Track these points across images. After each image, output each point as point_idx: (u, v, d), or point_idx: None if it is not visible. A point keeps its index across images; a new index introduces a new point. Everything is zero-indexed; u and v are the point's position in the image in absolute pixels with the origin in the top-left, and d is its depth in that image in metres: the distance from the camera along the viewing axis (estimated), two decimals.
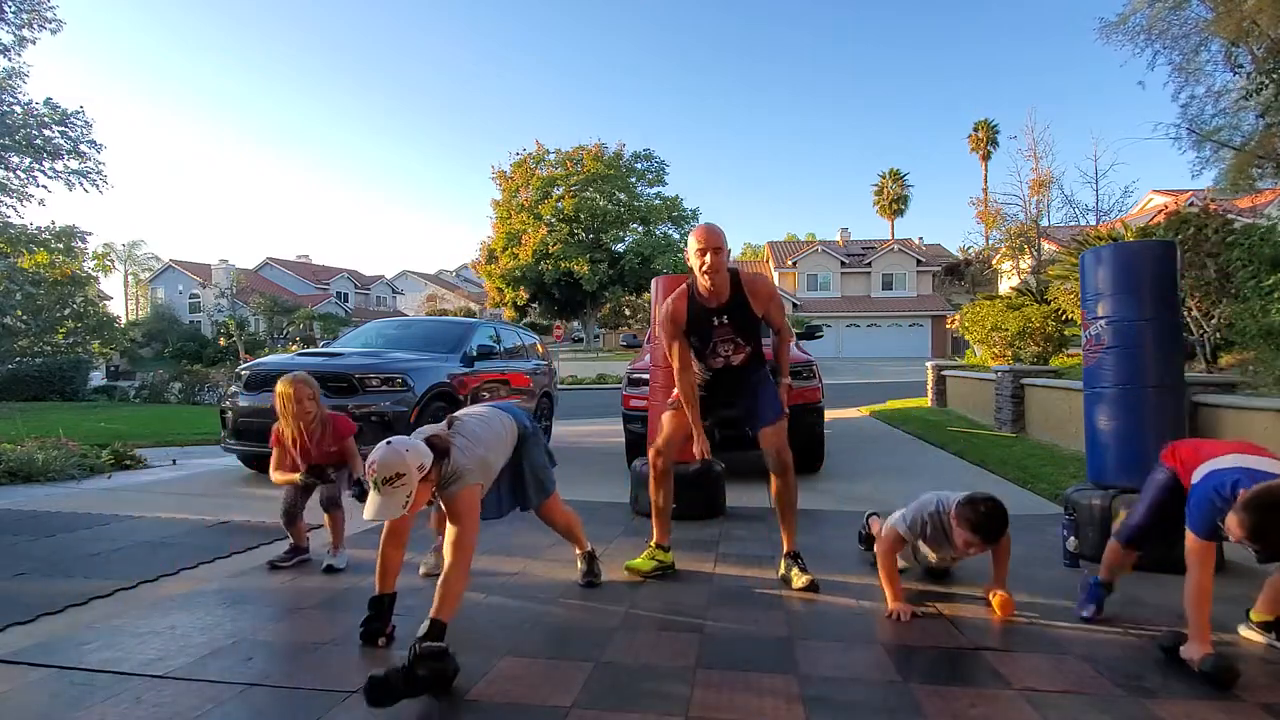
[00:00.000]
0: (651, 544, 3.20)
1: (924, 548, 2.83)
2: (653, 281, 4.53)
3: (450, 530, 2.23)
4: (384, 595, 2.35)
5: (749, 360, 3.09)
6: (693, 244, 2.95)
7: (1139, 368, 3.39)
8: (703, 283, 2.93)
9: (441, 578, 2.11)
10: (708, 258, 2.87)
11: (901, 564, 2.94)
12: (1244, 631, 2.46)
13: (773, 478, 3.10)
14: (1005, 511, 2.57)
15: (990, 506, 2.54)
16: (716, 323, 2.99)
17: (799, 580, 2.93)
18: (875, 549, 2.75)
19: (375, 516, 2.07)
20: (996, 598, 2.65)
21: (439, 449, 2.24)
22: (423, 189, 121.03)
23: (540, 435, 2.83)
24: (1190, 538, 2.15)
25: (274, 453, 3.23)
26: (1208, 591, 2.13)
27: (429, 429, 2.35)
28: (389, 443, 2.12)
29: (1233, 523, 1.98)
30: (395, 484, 2.06)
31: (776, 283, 35.07)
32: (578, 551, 3.05)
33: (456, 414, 2.55)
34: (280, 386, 3.10)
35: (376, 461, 2.07)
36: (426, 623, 2.01)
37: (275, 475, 3.22)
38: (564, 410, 10.55)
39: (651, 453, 3.23)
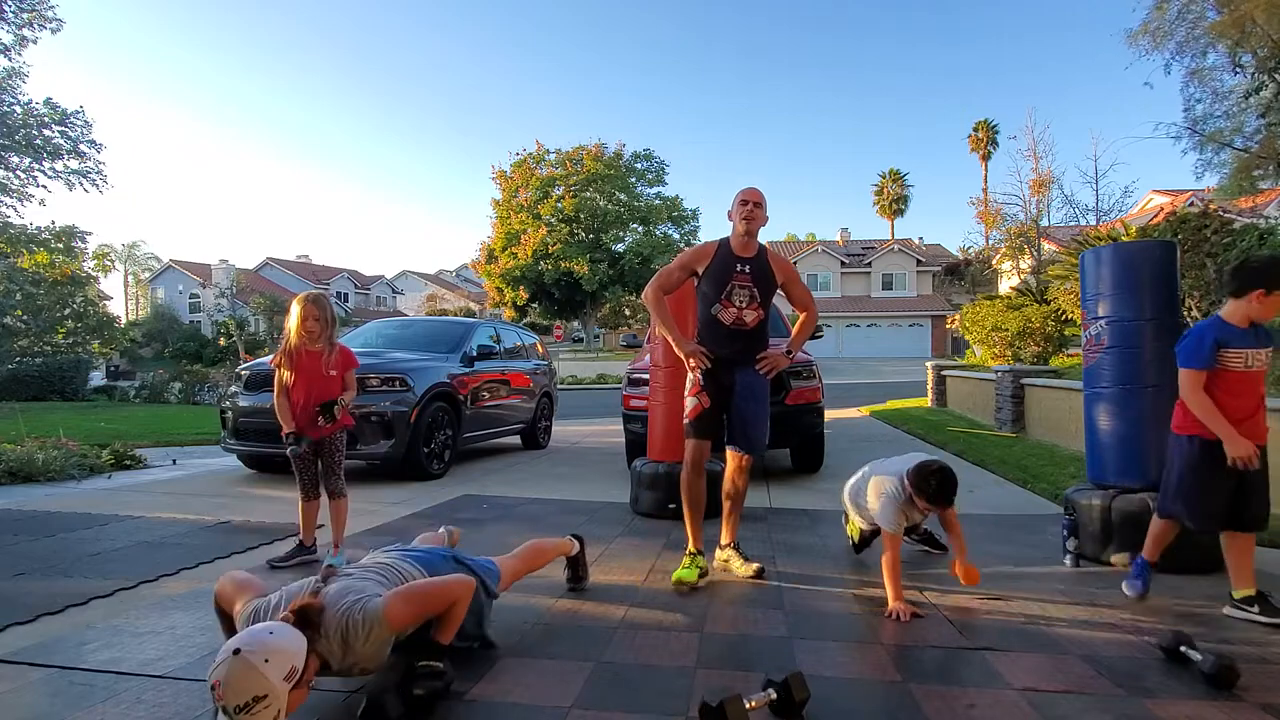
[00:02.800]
0: (689, 550, 3.09)
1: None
2: None
3: (435, 632, 1.93)
4: None
5: (759, 331, 3.12)
6: (738, 198, 3.13)
7: (1139, 368, 3.39)
8: (739, 228, 3.08)
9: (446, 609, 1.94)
10: (750, 208, 3.07)
11: (865, 526, 3.22)
12: (1228, 610, 2.59)
13: (730, 469, 3.15)
14: (954, 476, 2.78)
15: (940, 476, 2.75)
16: (738, 268, 3.07)
17: (744, 569, 3.06)
18: (882, 559, 2.77)
19: None
20: (962, 570, 2.85)
21: (310, 618, 1.69)
22: (423, 189, 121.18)
23: (489, 597, 2.29)
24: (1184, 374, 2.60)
25: (276, 375, 3.27)
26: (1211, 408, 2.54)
27: (295, 589, 1.80)
28: (237, 651, 1.52)
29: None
30: (254, 709, 1.50)
31: None
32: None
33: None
34: (294, 304, 3.25)
35: (221, 683, 1.50)
36: (426, 644, 1.91)
37: (277, 406, 3.26)
38: (564, 410, 10.55)
39: (689, 447, 3.13)
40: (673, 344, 3.13)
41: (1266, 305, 2.53)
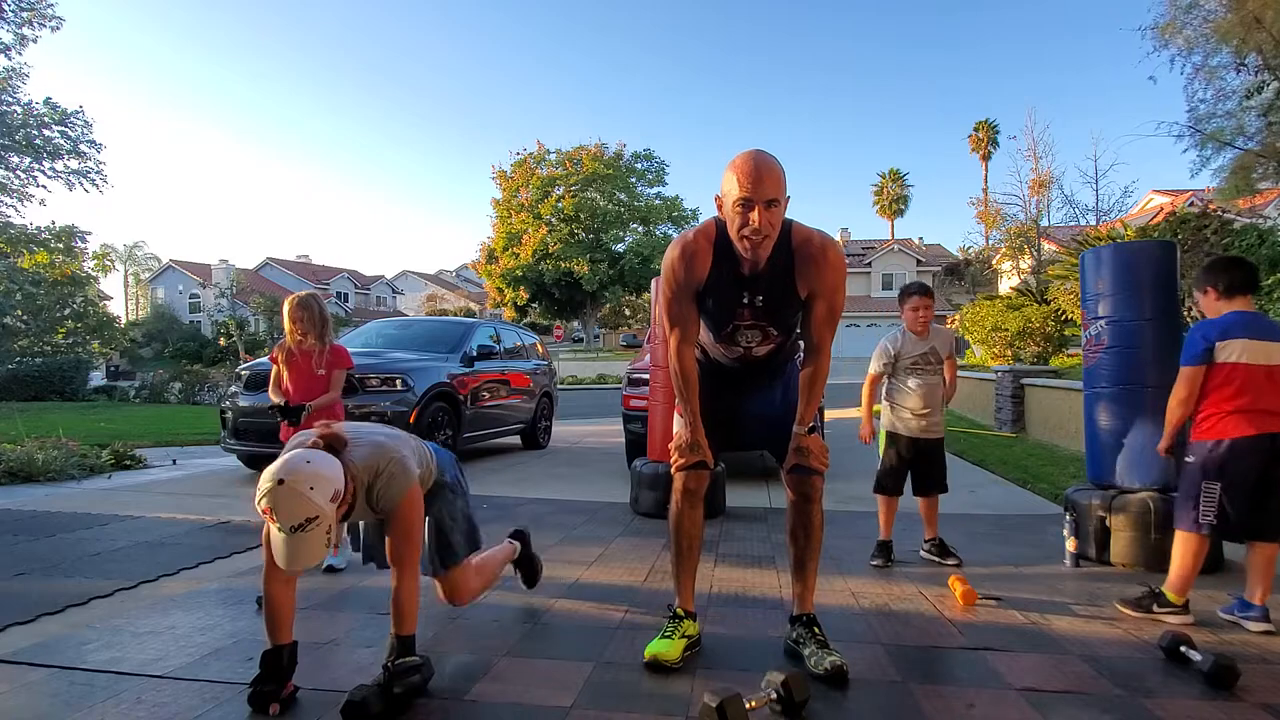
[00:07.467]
0: (675, 608, 2.27)
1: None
2: (653, 282, 4.53)
3: (391, 546, 1.95)
4: (280, 648, 1.87)
5: (776, 349, 2.22)
6: (732, 185, 1.85)
7: (1139, 368, 3.39)
8: (741, 248, 1.94)
9: (394, 596, 1.92)
10: (754, 216, 1.83)
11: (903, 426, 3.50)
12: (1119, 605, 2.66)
13: (794, 506, 2.21)
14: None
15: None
16: (746, 300, 2.03)
17: (824, 660, 2.03)
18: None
19: (292, 566, 1.72)
20: (959, 589, 2.75)
21: (335, 447, 1.84)
22: (423, 189, 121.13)
23: (464, 492, 2.37)
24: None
25: (272, 370, 3.37)
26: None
27: (308, 434, 1.88)
28: (281, 482, 1.66)
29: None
30: (308, 528, 1.69)
31: None
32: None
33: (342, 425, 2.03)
34: (284, 305, 3.34)
35: (274, 509, 1.66)
36: (391, 640, 1.91)
37: (271, 393, 3.34)
38: (564, 410, 10.55)
39: (678, 480, 2.26)
40: (683, 424, 2.18)
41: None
